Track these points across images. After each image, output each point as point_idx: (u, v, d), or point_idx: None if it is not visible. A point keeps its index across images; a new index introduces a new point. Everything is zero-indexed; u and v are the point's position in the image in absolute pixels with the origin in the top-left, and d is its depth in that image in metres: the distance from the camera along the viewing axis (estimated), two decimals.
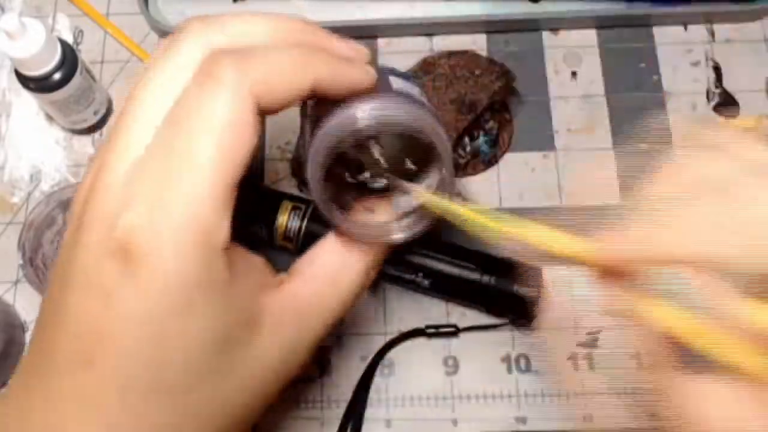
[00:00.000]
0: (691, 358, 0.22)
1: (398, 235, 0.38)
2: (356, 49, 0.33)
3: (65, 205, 0.55)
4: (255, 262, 0.32)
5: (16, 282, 0.57)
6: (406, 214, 0.39)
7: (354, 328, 0.56)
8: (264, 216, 0.53)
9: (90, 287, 0.25)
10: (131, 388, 0.25)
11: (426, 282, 0.54)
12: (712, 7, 0.64)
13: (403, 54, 0.64)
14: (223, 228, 0.26)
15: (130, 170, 0.26)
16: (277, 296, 0.32)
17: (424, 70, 0.58)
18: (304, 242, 0.53)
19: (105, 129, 0.62)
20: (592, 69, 0.63)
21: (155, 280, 0.24)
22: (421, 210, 0.38)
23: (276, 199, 0.54)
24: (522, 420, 0.53)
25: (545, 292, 0.51)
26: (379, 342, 0.55)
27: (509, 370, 0.54)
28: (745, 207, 0.22)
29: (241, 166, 0.26)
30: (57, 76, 0.55)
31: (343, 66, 0.30)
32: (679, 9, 0.64)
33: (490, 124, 0.59)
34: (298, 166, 0.58)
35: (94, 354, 0.25)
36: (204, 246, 0.25)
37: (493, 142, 0.60)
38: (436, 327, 0.55)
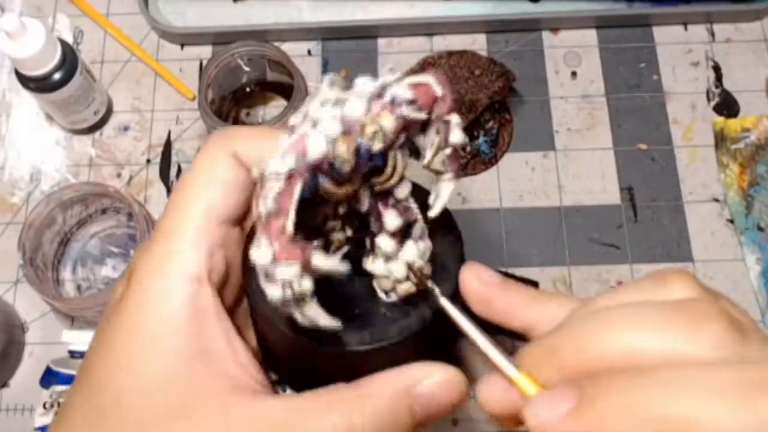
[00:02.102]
0: None
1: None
2: None
3: (65, 205, 0.55)
4: (243, 351, 0.29)
5: (16, 282, 0.57)
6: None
7: None
8: None
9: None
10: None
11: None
12: (712, 7, 0.64)
13: (403, 54, 0.64)
14: (191, 259, 0.29)
15: None
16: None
17: (425, 70, 0.59)
18: None
19: (105, 129, 0.62)
20: (592, 69, 0.63)
21: (135, 292, 0.29)
22: None
23: None
24: None
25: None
26: None
27: None
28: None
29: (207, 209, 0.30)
30: (57, 76, 0.55)
31: None
32: (679, 9, 0.64)
33: (490, 124, 0.59)
34: None
35: None
36: (175, 270, 0.29)
37: (493, 142, 0.60)
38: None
